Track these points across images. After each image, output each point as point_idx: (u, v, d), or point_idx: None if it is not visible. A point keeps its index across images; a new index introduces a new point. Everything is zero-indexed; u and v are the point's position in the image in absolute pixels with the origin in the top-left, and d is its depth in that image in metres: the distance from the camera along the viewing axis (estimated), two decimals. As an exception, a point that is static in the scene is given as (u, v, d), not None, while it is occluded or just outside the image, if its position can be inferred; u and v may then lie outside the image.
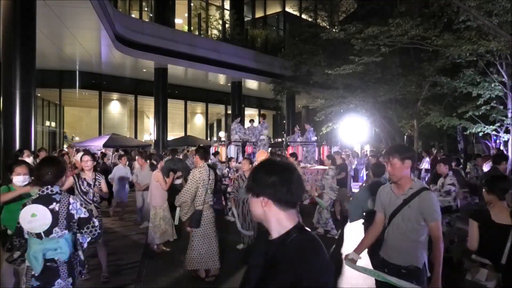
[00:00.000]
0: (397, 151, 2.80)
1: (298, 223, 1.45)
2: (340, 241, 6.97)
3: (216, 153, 11.22)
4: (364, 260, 3.39)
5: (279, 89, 20.87)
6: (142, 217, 7.97)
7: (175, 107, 22.37)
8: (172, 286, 4.79)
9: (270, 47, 23.55)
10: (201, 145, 5.36)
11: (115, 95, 22.33)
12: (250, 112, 28.32)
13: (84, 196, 4.45)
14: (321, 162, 12.09)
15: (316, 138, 13.03)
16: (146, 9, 19.91)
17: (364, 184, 8.94)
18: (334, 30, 17.09)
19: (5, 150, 8.93)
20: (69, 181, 2.94)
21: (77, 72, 19.36)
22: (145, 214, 7.71)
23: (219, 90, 24.66)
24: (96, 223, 2.73)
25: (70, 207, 2.62)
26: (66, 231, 2.59)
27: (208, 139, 25.84)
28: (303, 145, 12.93)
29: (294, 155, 8.80)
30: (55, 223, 2.56)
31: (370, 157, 12.63)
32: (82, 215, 2.67)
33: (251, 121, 12.98)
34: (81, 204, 2.73)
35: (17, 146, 8.79)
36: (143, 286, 4.83)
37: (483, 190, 3.13)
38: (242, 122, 14.33)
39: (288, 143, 13.52)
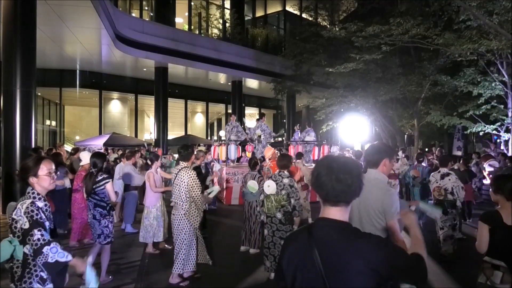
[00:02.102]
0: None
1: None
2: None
3: (206, 152, 11.06)
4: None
5: (280, 89, 20.88)
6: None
7: (175, 106, 22.37)
8: (172, 286, 4.79)
9: (270, 46, 23.55)
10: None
11: (115, 94, 22.33)
12: (251, 112, 28.32)
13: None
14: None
15: (313, 138, 13.01)
16: (146, 8, 19.91)
17: None
18: (335, 29, 17.08)
19: (5, 149, 8.94)
20: (44, 183, 2.59)
21: (78, 71, 19.38)
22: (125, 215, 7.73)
23: (219, 89, 24.66)
24: (36, 237, 2.41)
25: (15, 211, 2.48)
26: (11, 235, 2.49)
27: (209, 138, 25.84)
28: (303, 145, 12.92)
29: (300, 155, 8.85)
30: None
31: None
32: (24, 226, 2.44)
33: (258, 120, 13.05)
34: (27, 213, 2.45)
35: (18, 145, 8.80)
36: (143, 286, 4.84)
37: (490, 190, 3.04)
38: (241, 121, 14.31)
39: (289, 143, 13.52)
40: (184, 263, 4.69)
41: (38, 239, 2.41)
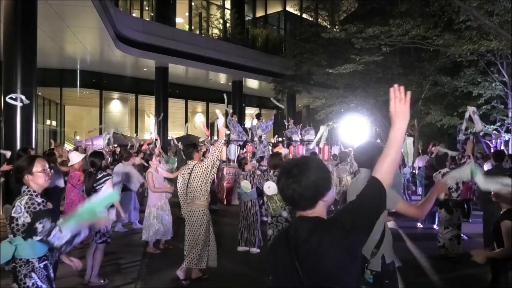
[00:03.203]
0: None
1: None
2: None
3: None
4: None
5: (280, 89, 20.88)
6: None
7: (175, 106, 22.37)
8: (173, 285, 4.79)
9: (270, 46, 23.53)
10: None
11: (115, 94, 22.34)
12: (251, 112, 28.31)
13: None
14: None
15: (313, 136, 13.00)
16: (147, 8, 19.91)
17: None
18: (335, 29, 17.09)
19: (5, 149, 8.94)
20: (39, 180, 2.64)
21: (78, 71, 19.37)
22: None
23: (219, 89, 24.62)
24: (39, 230, 2.45)
25: (14, 209, 2.50)
26: (11, 235, 2.50)
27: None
28: (304, 144, 12.93)
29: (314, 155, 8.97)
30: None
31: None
32: (26, 220, 2.46)
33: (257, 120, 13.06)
34: (27, 207, 2.48)
35: (18, 145, 8.80)
36: (143, 285, 4.84)
37: (493, 189, 2.96)
38: (240, 120, 14.28)
39: (289, 142, 13.51)
40: (199, 258, 4.70)
41: (40, 232, 2.46)
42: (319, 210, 1.49)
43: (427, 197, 2.65)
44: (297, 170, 1.45)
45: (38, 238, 2.46)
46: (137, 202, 8.30)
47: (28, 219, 2.46)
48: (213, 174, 4.75)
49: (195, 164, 4.79)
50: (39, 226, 2.46)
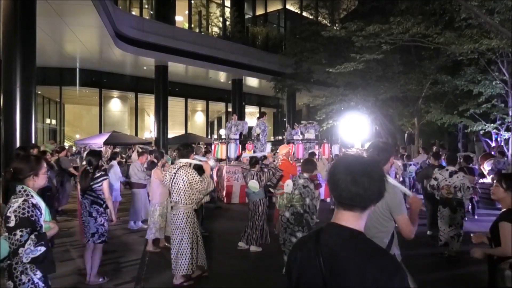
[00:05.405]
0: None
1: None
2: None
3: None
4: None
5: (280, 87, 20.87)
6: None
7: (175, 104, 22.37)
8: (173, 284, 4.78)
9: (270, 44, 23.52)
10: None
11: (115, 93, 22.33)
12: (251, 110, 28.32)
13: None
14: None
15: (313, 134, 12.99)
16: (146, 6, 19.87)
17: None
18: (335, 28, 17.08)
19: (5, 148, 8.92)
20: (41, 181, 2.66)
21: (78, 69, 19.37)
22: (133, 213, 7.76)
23: (219, 87, 24.64)
24: (16, 237, 2.41)
25: (9, 210, 2.48)
26: (6, 233, 2.51)
27: (209, 136, 25.85)
28: (304, 143, 12.91)
29: (313, 154, 9.14)
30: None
31: None
32: (9, 224, 2.45)
33: (258, 118, 13.05)
34: (16, 211, 2.47)
35: (17, 144, 8.78)
36: (143, 285, 4.83)
37: (493, 187, 3.00)
38: (240, 119, 14.23)
39: (290, 141, 13.50)
40: (192, 262, 4.61)
41: (17, 240, 2.43)
42: (365, 216, 1.40)
43: (410, 217, 2.62)
44: (357, 166, 1.38)
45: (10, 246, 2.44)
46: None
47: (12, 224, 2.44)
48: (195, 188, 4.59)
49: (181, 166, 4.58)
50: (18, 232, 2.43)
